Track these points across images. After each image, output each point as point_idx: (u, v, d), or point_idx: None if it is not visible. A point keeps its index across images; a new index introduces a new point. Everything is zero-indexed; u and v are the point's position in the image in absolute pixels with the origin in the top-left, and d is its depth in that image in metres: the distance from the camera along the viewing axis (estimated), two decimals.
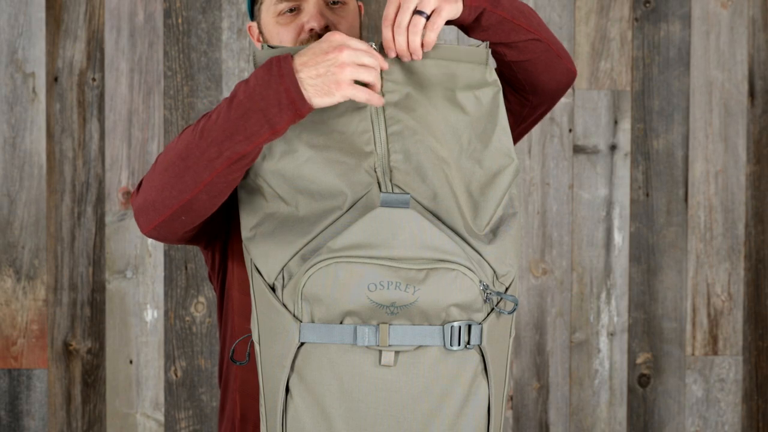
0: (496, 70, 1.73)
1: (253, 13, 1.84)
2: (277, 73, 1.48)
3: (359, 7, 1.85)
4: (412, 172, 1.54)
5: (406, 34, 1.53)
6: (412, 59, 1.55)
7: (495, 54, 1.68)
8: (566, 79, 1.75)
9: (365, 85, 1.51)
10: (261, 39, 1.83)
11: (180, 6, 2.96)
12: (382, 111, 1.56)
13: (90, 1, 2.94)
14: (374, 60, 1.51)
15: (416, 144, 1.54)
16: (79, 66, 2.95)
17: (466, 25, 1.62)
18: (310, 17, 1.74)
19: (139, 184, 1.62)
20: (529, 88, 1.74)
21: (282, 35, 1.77)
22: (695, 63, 3.03)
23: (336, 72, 1.48)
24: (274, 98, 1.49)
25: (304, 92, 1.48)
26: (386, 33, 1.54)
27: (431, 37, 1.54)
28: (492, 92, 1.60)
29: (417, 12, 1.53)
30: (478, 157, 1.58)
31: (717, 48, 3.03)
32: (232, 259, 1.76)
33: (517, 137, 1.83)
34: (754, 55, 3.03)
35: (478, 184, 1.56)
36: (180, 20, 2.96)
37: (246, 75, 2.98)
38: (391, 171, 1.54)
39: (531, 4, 2.99)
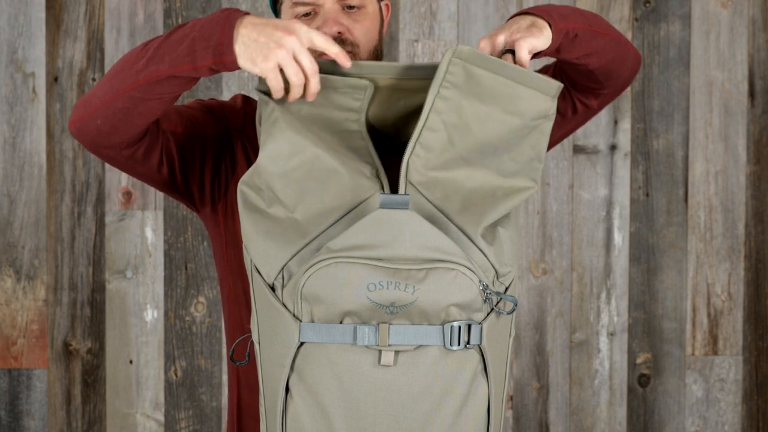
0: (568, 77, 1.76)
1: (276, 10, 1.84)
2: (224, 17, 1.50)
3: (385, 6, 1.85)
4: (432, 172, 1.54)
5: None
6: None
7: (579, 66, 1.71)
8: (637, 64, 1.80)
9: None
10: None
11: (180, 6, 2.96)
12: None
13: (90, 1, 2.94)
14: (312, 66, 1.49)
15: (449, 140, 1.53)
16: (79, 66, 2.95)
17: (556, 47, 1.63)
18: (324, 22, 1.74)
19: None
20: (606, 83, 1.78)
21: None
22: (695, 63, 3.03)
23: (272, 48, 1.48)
24: (207, 35, 1.50)
25: (235, 45, 1.48)
26: (483, 43, 1.58)
27: (520, 54, 1.57)
28: (546, 124, 1.58)
29: (506, 51, 1.56)
30: (504, 173, 1.57)
31: (717, 48, 3.03)
32: (225, 216, 1.78)
33: (564, 136, 1.88)
34: (754, 55, 3.03)
35: (494, 197, 1.56)
36: (180, 20, 2.97)
37: (246, 75, 2.98)
38: (408, 166, 1.53)
39: (531, 3, 2.99)
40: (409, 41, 2.99)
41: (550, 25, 1.59)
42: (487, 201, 1.55)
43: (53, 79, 2.95)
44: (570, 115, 1.84)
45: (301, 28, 1.49)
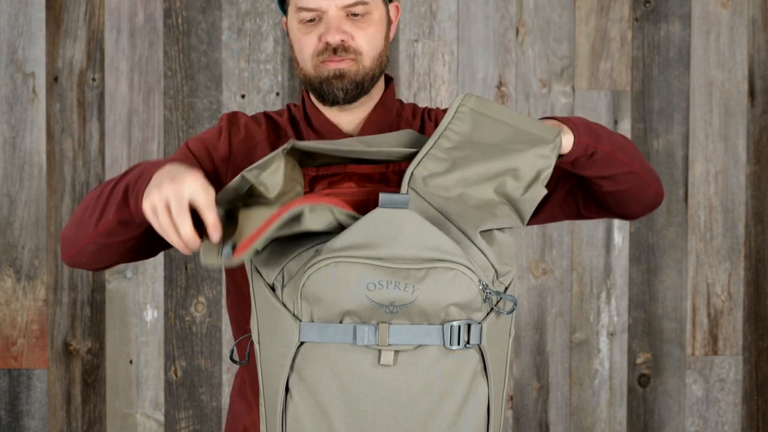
0: (588, 186, 1.75)
1: (283, 8, 1.84)
2: (148, 169, 1.57)
3: (395, 8, 1.84)
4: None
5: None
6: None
7: (592, 185, 1.72)
8: (654, 203, 1.80)
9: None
10: (289, 35, 1.83)
11: (180, 6, 2.97)
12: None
13: (90, 1, 2.94)
14: (178, 218, 1.48)
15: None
16: (79, 66, 2.95)
17: (571, 161, 1.65)
18: (327, 30, 1.75)
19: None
20: (617, 211, 1.79)
21: (302, 43, 1.77)
22: (695, 63, 3.03)
23: (152, 190, 1.50)
24: (135, 184, 1.57)
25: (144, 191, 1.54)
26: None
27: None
28: (537, 191, 1.59)
29: None
30: (504, 194, 1.58)
31: (717, 48, 3.03)
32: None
33: (547, 219, 1.87)
34: (754, 55, 3.03)
35: (493, 213, 1.57)
36: (180, 20, 2.97)
37: (246, 75, 2.98)
38: (412, 175, 1.54)
39: (531, 6, 3.00)
40: (409, 41, 2.99)
41: (573, 136, 1.62)
42: (487, 215, 1.56)
43: (53, 79, 2.95)
44: (565, 209, 1.84)
45: (190, 182, 1.49)
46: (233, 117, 1.85)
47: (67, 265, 1.76)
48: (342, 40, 1.74)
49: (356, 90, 1.77)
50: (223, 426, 2.99)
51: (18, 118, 2.95)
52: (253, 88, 2.98)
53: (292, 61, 2.99)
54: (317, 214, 1.49)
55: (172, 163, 1.55)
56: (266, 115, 1.88)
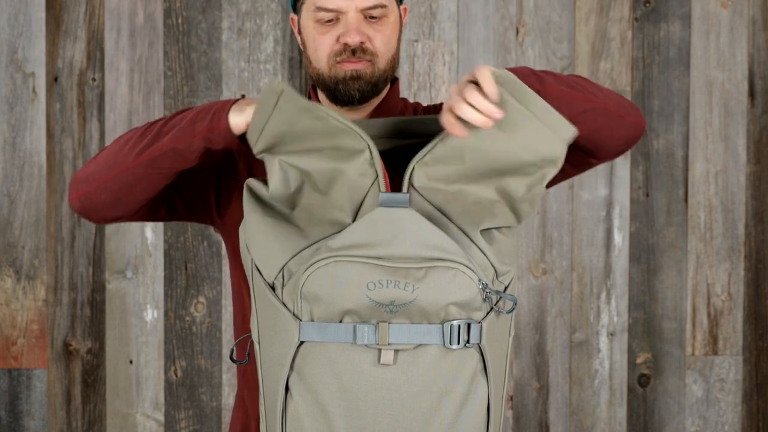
0: None
1: (294, 6, 1.83)
2: (221, 103, 1.63)
3: (404, 9, 1.85)
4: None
5: (466, 104, 1.48)
6: (495, 120, 1.48)
7: None
8: (633, 133, 1.70)
9: None
10: (300, 33, 1.83)
11: (180, 6, 2.97)
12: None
13: (90, 1, 2.94)
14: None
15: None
16: (79, 66, 2.95)
17: None
18: (346, 31, 1.74)
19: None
20: (595, 154, 1.71)
21: (318, 42, 1.77)
22: (695, 63, 3.03)
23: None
24: (205, 110, 1.62)
25: (229, 113, 1.60)
26: (447, 118, 1.50)
27: (491, 88, 1.47)
28: (551, 170, 1.55)
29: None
30: (504, 194, 1.57)
31: (717, 48, 3.03)
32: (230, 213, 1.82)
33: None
34: (754, 55, 3.03)
35: (492, 212, 1.56)
36: (180, 20, 2.97)
37: (246, 75, 2.98)
38: (413, 171, 1.54)
39: (531, 6, 3.00)
40: (409, 41, 2.99)
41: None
42: (485, 213, 1.55)
43: (53, 79, 2.95)
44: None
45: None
46: None
47: (73, 207, 1.73)
48: (361, 42, 1.75)
49: (371, 91, 1.78)
50: (224, 426, 2.99)
51: (18, 118, 2.95)
52: (253, 88, 2.98)
53: (291, 61, 2.99)
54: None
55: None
56: None
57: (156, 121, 1.67)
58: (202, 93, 2.97)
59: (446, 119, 1.49)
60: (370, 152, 1.53)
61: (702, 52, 3.03)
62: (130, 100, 2.97)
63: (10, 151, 2.95)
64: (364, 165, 1.53)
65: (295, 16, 1.83)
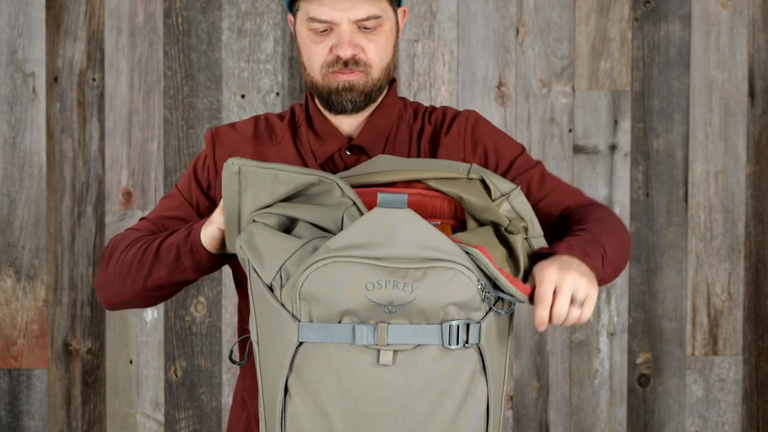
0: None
1: (291, 8, 1.83)
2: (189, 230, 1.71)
3: (402, 12, 1.84)
4: None
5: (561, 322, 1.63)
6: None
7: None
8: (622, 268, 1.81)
9: None
10: (296, 37, 1.83)
11: (180, 6, 2.97)
12: None
13: (90, 1, 2.95)
14: None
15: None
16: (79, 66, 2.95)
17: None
18: (339, 43, 1.74)
19: (102, 258, 1.83)
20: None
21: (312, 52, 1.77)
22: (695, 63, 3.03)
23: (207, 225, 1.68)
24: (183, 242, 1.71)
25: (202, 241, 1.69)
26: (542, 314, 1.64)
27: (583, 319, 1.61)
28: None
29: (572, 303, 1.61)
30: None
31: (717, 48, 3.03)
32: None
33: None
34: (754, 55, 3.03)
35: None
36: (180, 20, 2.97)
37: (246, 75, 2.98)
38: None
39: (531, 6, 3.00)
40: (409, 41, 2.99)
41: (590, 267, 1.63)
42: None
43: (53, 79, 2.95)
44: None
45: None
46: (215, 134, 1.87)
47: (107, 309, 1.91)
48: (353, 54, 1.75)
49: (364, 101, 1.78)
50: (224, 426, 2.99)
51: (18, 118, 2.95)
52: (253, 88, 2.98)
53: (292, 61, 2.99)
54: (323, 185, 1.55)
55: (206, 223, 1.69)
56: (264, 117, 1.88)
57: (146, 241, 1.76)
58: (202, 93, 2.97)
59: (541, 314, 1.63)
60: (340, 188, 1.57)
61: (702, 52, 3.03)
62: (130, 100, 2.97)
63: (10, 151, 2.95)
64: (338, 198, 1.57)
65: (292, 18, 1.83)
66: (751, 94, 3.03)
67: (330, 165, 1.80)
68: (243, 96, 2.98)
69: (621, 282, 3.03)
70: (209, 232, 1.67)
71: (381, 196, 1.50)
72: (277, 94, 2.99)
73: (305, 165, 1.82)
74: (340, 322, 1.49)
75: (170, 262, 1.71)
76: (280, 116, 1.88)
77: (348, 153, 1.81)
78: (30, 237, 2.96)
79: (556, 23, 3.01)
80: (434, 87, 3.00)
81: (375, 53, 1.76)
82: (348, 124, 1.82)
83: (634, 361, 3.05)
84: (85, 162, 2.96)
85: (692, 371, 3.06)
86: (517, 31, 3.00)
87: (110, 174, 2.96)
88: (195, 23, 2.97)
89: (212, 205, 1.83)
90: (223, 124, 2.93)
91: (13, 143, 2.95)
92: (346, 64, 1.75)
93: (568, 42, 3.01)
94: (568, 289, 1.59)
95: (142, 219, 1.87)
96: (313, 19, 1.75)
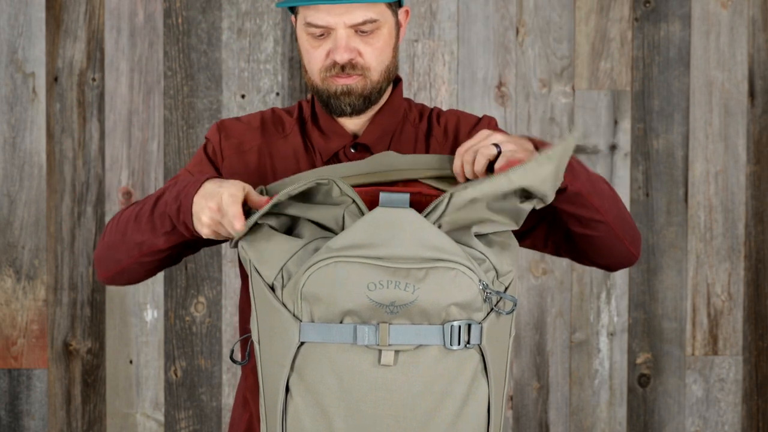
0: (559, 216, 1.75)
1: (293, 9, 1.83)
2: (184, 193, 1.64)
3: (405, 12, 1.84)
4: None
5: (473, 155, 1.60)
6: (468, 178, 1.61)
7: (560, 218, 1.72)
8: (624, 260, 1.79)
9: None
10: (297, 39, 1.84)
11: (180, 6, 2.97)
12: None
13: (90, 1, 2.94)
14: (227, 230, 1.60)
15: None
16: (79, 66, 2.95)
17: None
18: (335, 48, 1.75)
19: (103, 235, 1.81)
20: (583, 255, 1.79)
21: (310, 56, 1.78)
22: (695, 63, 3.03)
23: (200, 215, 1.61)
24: (176, 209, 1.66)
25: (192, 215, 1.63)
26: (457, 161, 1.63)
27: (497, 165, 1.58)
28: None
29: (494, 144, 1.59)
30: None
31: (717, 48, 3.03)
32: None
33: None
34: (754, 55, 3.03)
35: (481, 221, 1.59)
36: (180, 20, 2.97)
37: (246, 75, 2.98)
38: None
39: (531, 6, 2.99)
40: (409, 41, 2.99)
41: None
42: (476, 222, 1.58)
43: (53, 79, 2.95)
44: (548, 244, 1.84)
45: (232, 211, 1.58)
46: (221, 125, 1.86)
47: (103, 283, 1.88)
48: (350, 59, 1.75)
49: (364, 104, 1.78)
50: (224, 426, 2.99)
51: (18, 118, 2.95)
52: (253, 88, 2.98)
53: (291, 61, 2.99)
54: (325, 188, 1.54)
55: (204, 182, 1.64)
56: (271, 112, 1.88)
57: (140, 203, 1.73)
58: (202, 93, 2.97)
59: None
60: (338, 187, 1.55)
61: (702, 52, 3.03)
62: (130, 100, 2.97)
63: (10, 151, 2.95)
64: (338, 197, 1.56)
65: (294, 18, 1.83)
66: (751, 94, 3.03)
67: (334, 162, 1.81)
68: (243, 96, 2.98)
69: (621, 282, 3.03)
70: (203, 224, 1.63)
71: (383, 196, 1.50)
72: (277, 94, 2.98)
73: (313, 159, 1.82)
74: (341, 323, 1.49)
75: (166, 231, 1.69)
76: (288, 111, 1.88)
77: (353, 151, 1.81)
78: (30, 237, 2.96)
79: (556, 23, 3.01)
80: (434, 87, 3.00)
81: (373, 57, 1.76)
82: (353, 122, 1.83)
83: (634, 361, 3.05)
84: (85, 162, 2.96)
85: (692, 371, 3.06)
86: (517, 31, 3.01)
87: (110, 174, 2.96)
88: (195, 23, 2.97)
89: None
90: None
91: (13, 143, 2.95)
92: (343, 68, 1.75)
93: (568, 42, 3.01)
94: (493, 138, 1.60)
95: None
96: (310, 24, 1.75)
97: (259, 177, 1.81)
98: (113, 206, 2.96)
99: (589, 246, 1.75)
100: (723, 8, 3.02)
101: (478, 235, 1.56)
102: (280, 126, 1.85)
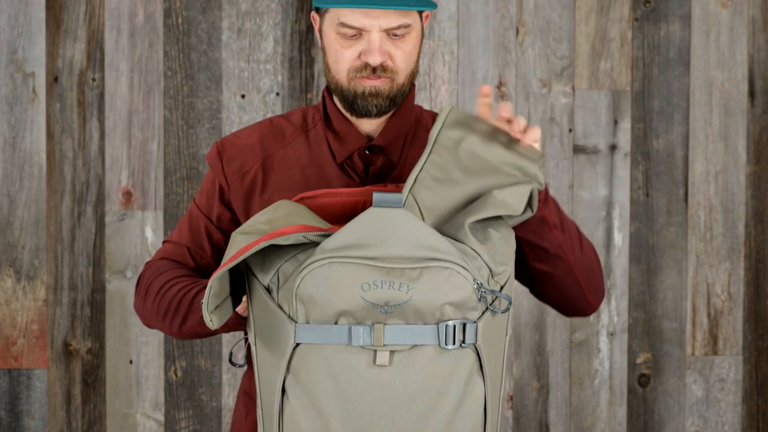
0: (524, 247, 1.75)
1: (318, 7, 1.82)
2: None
3: (425, 17, 1.84)
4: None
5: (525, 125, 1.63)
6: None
7: (519, 248, 1.70)
8: (579, 307, 1.79)
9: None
10: (321, 37, 1.83)
11: (180, 6, 2.97)
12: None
13: (90, 1, 2.95)
14: None
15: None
16: (79, 66, 2.96)
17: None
18: (368, 50, 1.74)
19: (137, 283, 1.86)
20: (539, 292, 1.79)
21: (339, 55, 1.76)
22: (695, 63, 3.03)
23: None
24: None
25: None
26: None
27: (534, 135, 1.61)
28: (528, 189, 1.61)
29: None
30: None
31: (717, 48, 3.03)
32: None
33: None
34: (754, 55, 3.03)
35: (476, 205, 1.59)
36: (180, 20, 2.97)
37: (246, 75, 2.98)
38: (415, 182, 1.57)
39: (531, 6, 3.00)
40: None
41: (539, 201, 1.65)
42: (471, 207, 1.57)
43: (53, 79, 2.95)
44: (523, 278, 1.83)
45: None
46: (221, 148, 1.85)
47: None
48: (382, 62, 1.75)
49: (389, 106, 1.78)
50: (224, 426, 3.00)
51: (18, 118, 2.95)
52: (253, 88, 2.98)
53: (291, 61, 2.99)
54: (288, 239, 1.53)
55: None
56: (269, 123, 1.87)
57: (176, 285, 1.75)
58: (202, 93, 2.97)
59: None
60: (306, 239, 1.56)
61: (702, 52, 3.03)
62: (130, 100, 2.97)
63: (10, 151, 2.96)
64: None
65: (316, 16, 1.82)
66: (751, 94, 3.03)
67: (349, 163, 1.80)
68: (243, 96, 2.98)
69: (621, 282, 3.03)
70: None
71: (376, 196, 1.50)
72: (277, 94, 2.99)
73: (317, 165, 1.82)
74: (336, 323, 1.49)
75: (200, 317, 1.69)
76: (287, 118, 1.87)
77: (367, 152, 1.81)
78: (30, 237, 2.96)
79: (556, 23, 3.01)
80: (434, 87, 3.00)
81: (402, 60, 1.76)
82: (367, 124, 1.82)
83: (634, 361, 3.05)
84: (85, 162, 2.96)
85: (692, 371, 3.06)
86: (517, 31, 3.01)
87: (110, 174, 2.96)
88: (195, 23, 2.97)
89: (233, 216, 1.82)
90: (224, 130, 2.94)
91: (13, 143, 2.96)
92: (374, 70, 1.75)
93: (568, 42, 3.01)
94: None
95: (166, 242, 1.86)
96: (343, 24, 1.74)
97: (262, 192, 1.81)
98: (113, 206, 2.96)
99: (545, 284, 1.75)
100: (723, 8, 3.02)
101: (474, 229, 1.56)
102: (280, 135, 1.84)
